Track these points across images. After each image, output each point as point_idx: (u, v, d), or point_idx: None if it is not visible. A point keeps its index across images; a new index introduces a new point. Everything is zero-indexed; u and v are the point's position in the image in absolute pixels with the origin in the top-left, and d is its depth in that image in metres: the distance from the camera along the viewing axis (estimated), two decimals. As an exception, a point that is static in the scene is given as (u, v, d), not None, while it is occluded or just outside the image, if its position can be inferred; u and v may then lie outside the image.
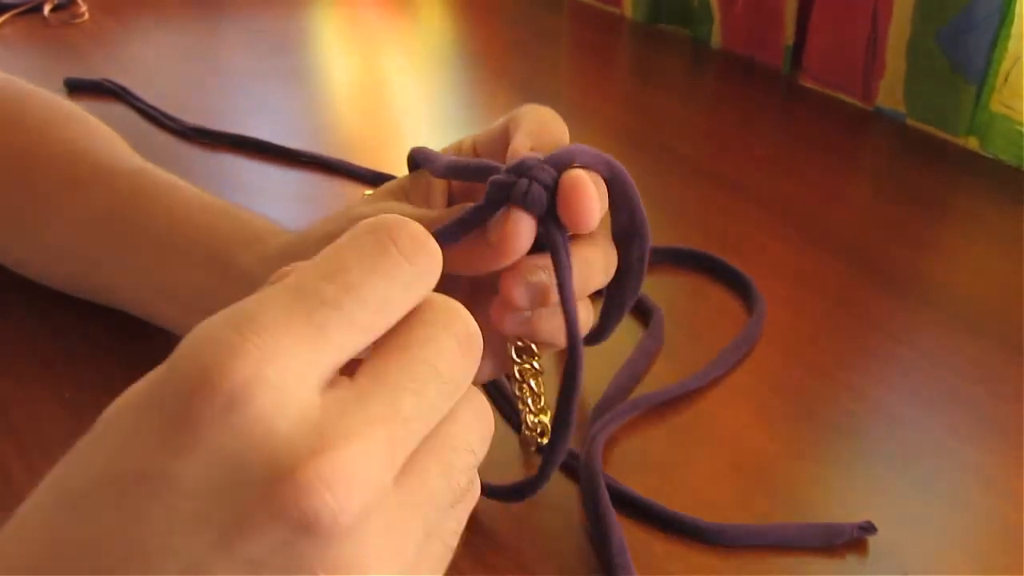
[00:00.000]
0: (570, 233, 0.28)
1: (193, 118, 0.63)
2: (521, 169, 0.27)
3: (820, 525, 0.33)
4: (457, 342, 0.19)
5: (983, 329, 0.45)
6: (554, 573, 0.32)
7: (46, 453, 0.38)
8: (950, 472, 0.37)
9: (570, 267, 0.27)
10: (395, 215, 0.20)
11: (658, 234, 0.55)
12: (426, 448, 0.19)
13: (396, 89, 0.73)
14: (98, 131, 0.46)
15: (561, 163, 0.28)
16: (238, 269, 0.36)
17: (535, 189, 0.27)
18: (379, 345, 0.19)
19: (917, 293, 0.48)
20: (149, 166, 0.43)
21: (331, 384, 0.18)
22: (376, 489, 0.17)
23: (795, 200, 0.56)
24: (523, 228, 0.27)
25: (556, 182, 0.27)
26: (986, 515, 0.36)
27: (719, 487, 0.36)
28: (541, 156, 0.28)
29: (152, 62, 0.75)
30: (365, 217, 0.29)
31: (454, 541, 0.20)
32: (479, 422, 0.20)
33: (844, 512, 0.35)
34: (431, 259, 0.20)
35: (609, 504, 0.33)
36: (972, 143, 0.62)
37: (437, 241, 0.20)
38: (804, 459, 0.38)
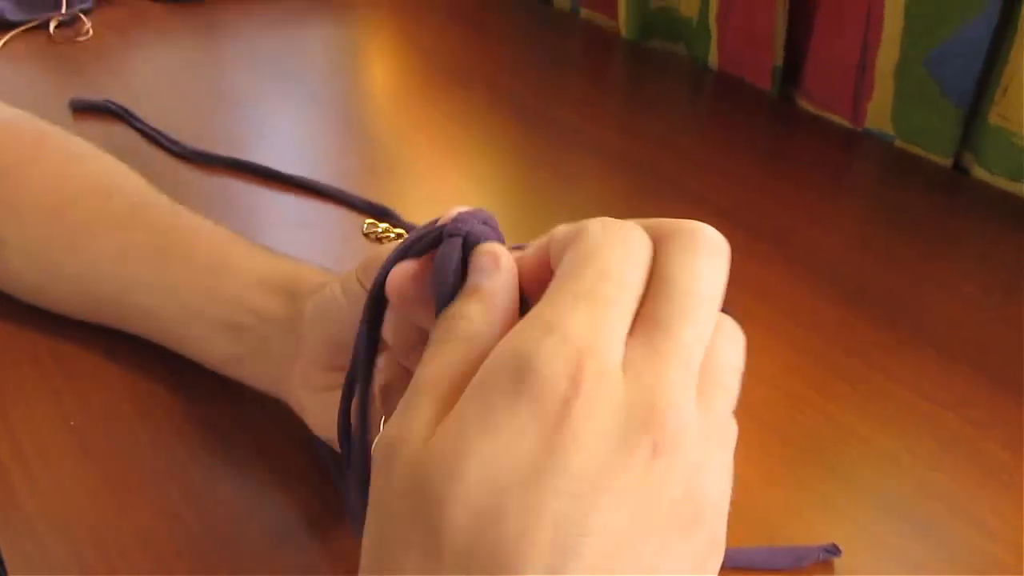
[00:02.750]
0: None
1: (192, 137, 0.65)
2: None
3: (788, 548, 0.35)
4: (707, 256, 0.23)
5: (956, 354, 0.47)
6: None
7: (53, 478, 0.39)
8: (917, 499, 0.39)
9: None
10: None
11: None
12: (705, 374, 0.22)
13: (392, 113, 0.74)
14: (122, 168, 0.48)
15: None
16: (300, 306, 0.37)
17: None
18: (647, 297, 0.22)
19: (894, 317, 0.49)
20: (180, 206, 0.45)
21: (628, 340, 0.22)
22: (687, 408, 0.21)
23: (778, 221, 0.58)
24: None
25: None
26: (951, 541, 0.37)
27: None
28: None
29: (154, 80, 0.77)
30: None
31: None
32: (734, 340, 0.24)
33: (812, 537, 0.36)
34: (640, 224, 0.24)
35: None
36: (967, 160, 0.64)
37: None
38: (775, 485, 0.39)
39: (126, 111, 0.68)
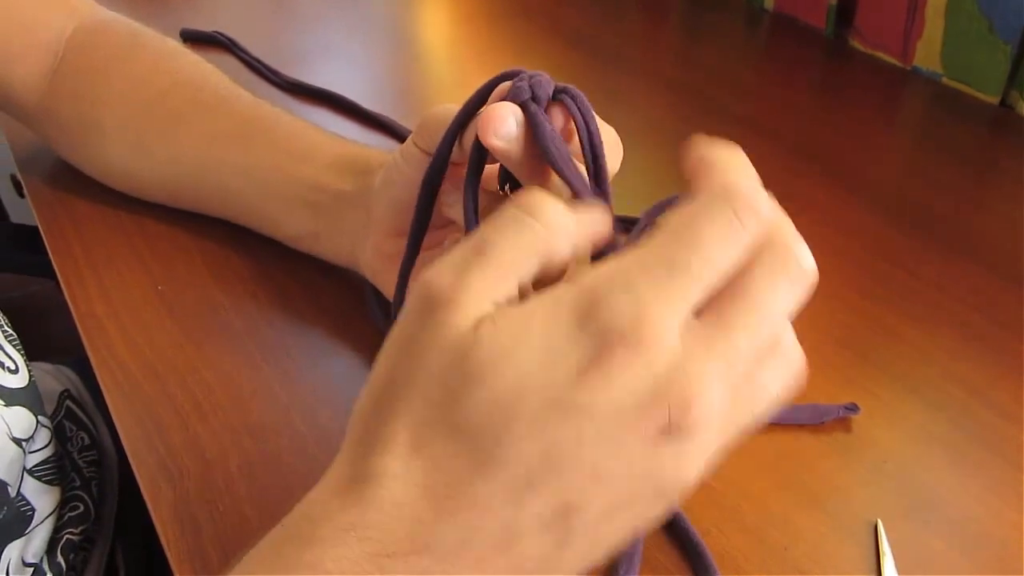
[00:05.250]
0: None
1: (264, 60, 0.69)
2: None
3: (810, 405, 0.37)
4: (793, 281, 0.24)
5: (987, 263, 0.48)
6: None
7: (143, 331, 0.44)
8: (940, 383, 0.41)
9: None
10: (740, 183, 0.25)
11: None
12: (742, 386, 0.23)
13: (453, 43, 0.77)
14: (209, 65, 0.52)
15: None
16: (369, 182, 0.41)
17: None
18: (725, 289, 0.23)
19: (930, 229, 0.51)
20: (261, 99, 0.49)
21: (687, 324, 0.23)
22: (715, 405, 0.22)
23: (823, 144, 0.60)
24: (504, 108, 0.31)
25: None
26: (971, 422, 0.39)
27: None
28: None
29: (223, 4, 0.81)
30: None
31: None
32: (786, 366, 0.24)
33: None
34: (763, 219, 0.24)
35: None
36: (1012, 99, 0.65)
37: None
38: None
39: (233, 42, 0.72)
